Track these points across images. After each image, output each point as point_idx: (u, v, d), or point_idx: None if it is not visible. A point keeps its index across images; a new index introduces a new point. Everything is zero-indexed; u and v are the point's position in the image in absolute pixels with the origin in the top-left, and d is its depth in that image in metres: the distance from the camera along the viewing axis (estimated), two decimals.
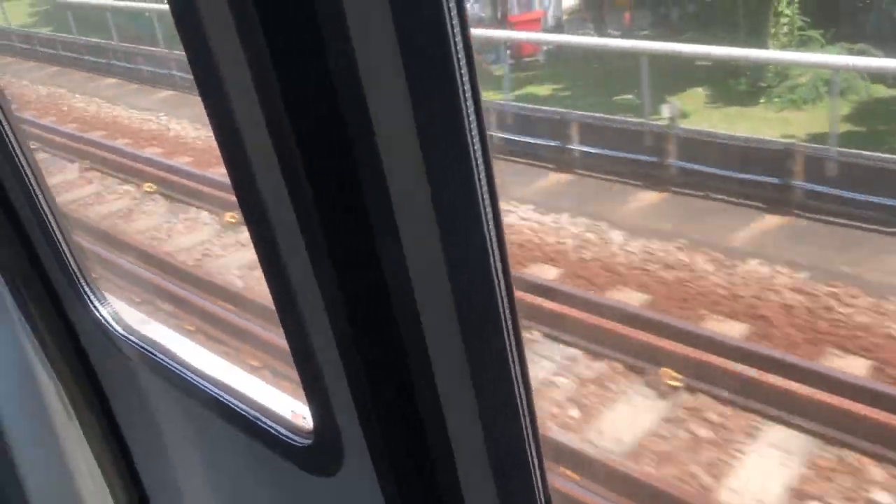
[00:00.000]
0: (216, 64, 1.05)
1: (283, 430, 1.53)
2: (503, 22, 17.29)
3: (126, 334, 2.03)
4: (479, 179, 0.98)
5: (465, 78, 0.92)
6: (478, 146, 0.96)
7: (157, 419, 2.18)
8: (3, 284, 2.27)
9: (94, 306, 2.09)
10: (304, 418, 1.49)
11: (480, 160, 0.97)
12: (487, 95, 13.79)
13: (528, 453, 1.20)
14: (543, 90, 14.80)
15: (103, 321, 2.07)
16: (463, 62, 0.91)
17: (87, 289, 2.10)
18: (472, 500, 1.28)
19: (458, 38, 0.90)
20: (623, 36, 16.08)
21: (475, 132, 0.95)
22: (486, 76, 14.90)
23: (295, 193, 1.08)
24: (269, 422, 1.57)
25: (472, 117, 0.94)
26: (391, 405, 1.24)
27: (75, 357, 2.31)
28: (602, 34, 16.57)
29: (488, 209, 1.01)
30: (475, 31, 14.53)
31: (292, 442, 1.51)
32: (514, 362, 1.12)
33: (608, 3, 17.66)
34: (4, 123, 1.92)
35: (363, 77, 0.96)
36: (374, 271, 1.12)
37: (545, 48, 16.43)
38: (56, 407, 2.40)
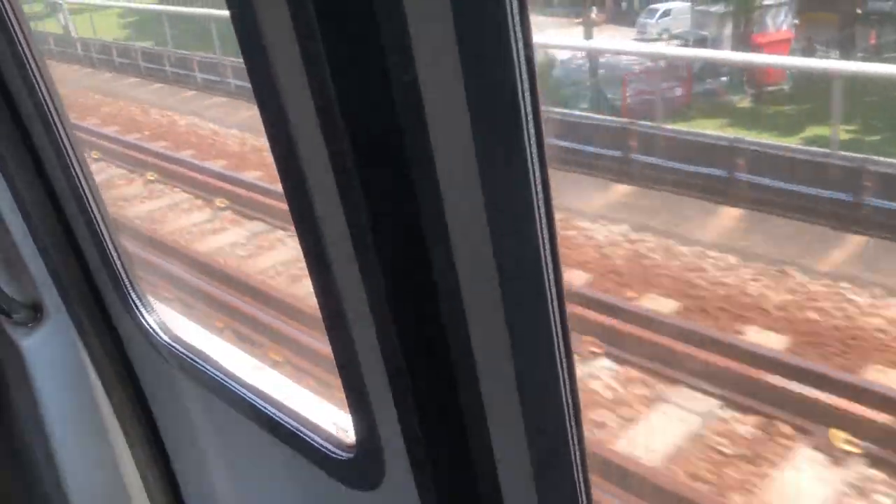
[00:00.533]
0: (274, 72, 1.05)
1: (324, 443, 1.53)
2: (745, 43, 14.87)
3: (170, 342, 2.05)
4: (536, 191, 0.97)
5: (526, 86, 0.91)
6: (535, 155, 0.94)
7: (199, 427, 2.19)
8: (54, 290, 2.30)
9: (140, 313, 2.11)
10: (347, 431, 1.48)
11: (537, 170, 0.95)
12: (759, 137, 11.64)
13: (574, 470, 1.18)
14: (831, 131, 10.65)
15: (149, 328, 2.09)
16: (524, 70, 0.90)
17: (133, 296, 2.13)
18: None
19: (521, 46, 0.89)
20: (874, 58, 13.64)
21: (533, 141, 0.94)
22: (723, 109, 13.00)
23: (347, 204, 1.07)
24: (310, 434, 1.57)
25: (531, 126, 0.93)
26: (435, 420, 1.23)
27: (120, 363, 2.34)
28: (848, 56, 14.05)
29: (543, 221, 0.99)
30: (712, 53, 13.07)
31: (334, 455, 1.50)
32: (563, 376, 1.10)
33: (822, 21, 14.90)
34: (61, 130, 1.96)
35: (422, 86, 0.95)
36: (424, 284, 1.10)
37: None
38: (100, 412, 2.43)
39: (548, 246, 1.01)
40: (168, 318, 2.12)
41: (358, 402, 1.32)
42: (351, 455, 1.44)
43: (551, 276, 1.02)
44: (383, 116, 0.98)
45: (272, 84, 1.06)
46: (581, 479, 1.19)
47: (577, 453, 1.17)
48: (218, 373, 1.88)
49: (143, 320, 2.10)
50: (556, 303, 1.04)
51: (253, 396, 1.76)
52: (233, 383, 1.83)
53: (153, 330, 2.09)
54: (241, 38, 1.06)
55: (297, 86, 1.02)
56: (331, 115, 1.00)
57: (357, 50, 0.95)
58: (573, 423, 1.14)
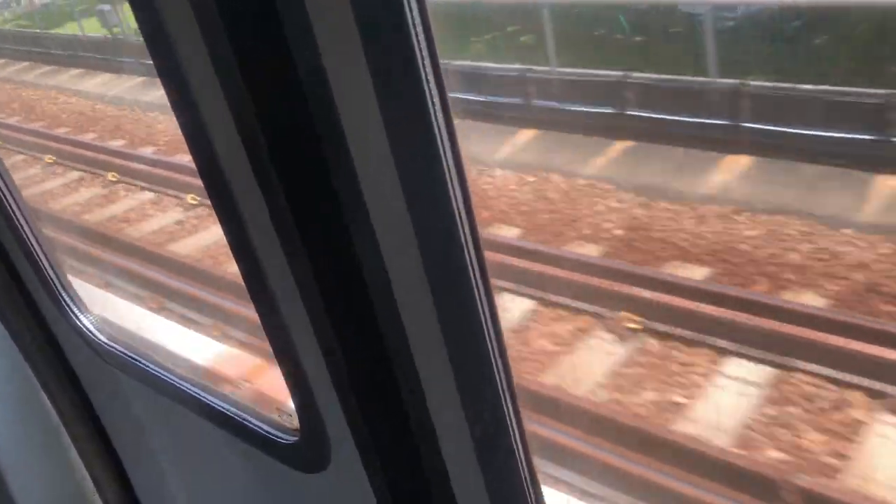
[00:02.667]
0: (183, 72, 1.06)
1: (270, 429, 1.54)
2: None
3: (109, 342, 2.03)
4: (449, 168, 0.99)
5: (429, 71, 0.93)
6: (444, 128, 0.97)
7: (146, 424, 2.18)
8: None
9: (76, 316, 2.09)
10: (291, 416, 1.49)
11: (447, 142, 0.98)
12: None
13: (513, 440, 1.21)
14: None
15: (86, 330, 2.07)
16: (426, 54, 0.93)
17: (67, 299, 2.10)
18: (460, 489, 1.29)
19: (422, 38, 0.92)
20: None
21: (440, 114, 0.96)
22: None
23: (267, 191, 1.08)
24: (255, 421, 1.58)
25: (437, 100, 0.95)
26: (375, 399, 1.25)
27: (60, 368, 2.30)
28: None
29: (458, 195, 1.01)
30: None
31: (280, 440, 1.51)
32: (493, 351, 1.13)
33: None
34: None
35: (329, 74, 0.96)
36: (350, 265, 1.12)
37: None
38: (45, 418, 2.39)
39: (465, 221, 1.03)
40: (106, 319, 2.09)
41: (297, 387, 1.33)
42: (296, 439, 1.46)
43: (472, 253, 1.05)
44: (292, 102, 0.99)
45: (183, 84, 1.07)
46: (520, 446, 1.22)
47: (514, 424, 1.20)
48: (158, 368, 1.87)
49: (78, 322, 2.08)
50: (479, 281, 1.07)
51: (195, 389, 1.75)
52: (173, 377, 1.82)
53: (90, 331, 2.06)
54: (147, 32, 1.07)
55: (207, 81, 1.02)
56: (243, 106, 1.01)
57: (260, 39, 0.96)
58: (507, 393, 1.17)
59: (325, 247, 1.11)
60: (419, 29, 0.91)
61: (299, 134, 1.02)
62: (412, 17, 0.90)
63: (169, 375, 1.84)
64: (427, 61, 0.92)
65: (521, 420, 1.19)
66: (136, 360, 1.94)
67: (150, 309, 7.89)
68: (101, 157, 12.50)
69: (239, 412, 1.63)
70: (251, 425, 1.58)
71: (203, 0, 0.95)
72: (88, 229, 10.28)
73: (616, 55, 12.38)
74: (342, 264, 1.12)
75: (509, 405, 1.17)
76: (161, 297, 8.44)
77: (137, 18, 1.07)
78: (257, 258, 1.19)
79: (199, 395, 1.74)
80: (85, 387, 2.33)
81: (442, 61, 0.97)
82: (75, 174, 12.41)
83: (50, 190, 12.03)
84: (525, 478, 1.24)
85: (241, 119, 1.03)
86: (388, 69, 0.94)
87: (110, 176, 11.88)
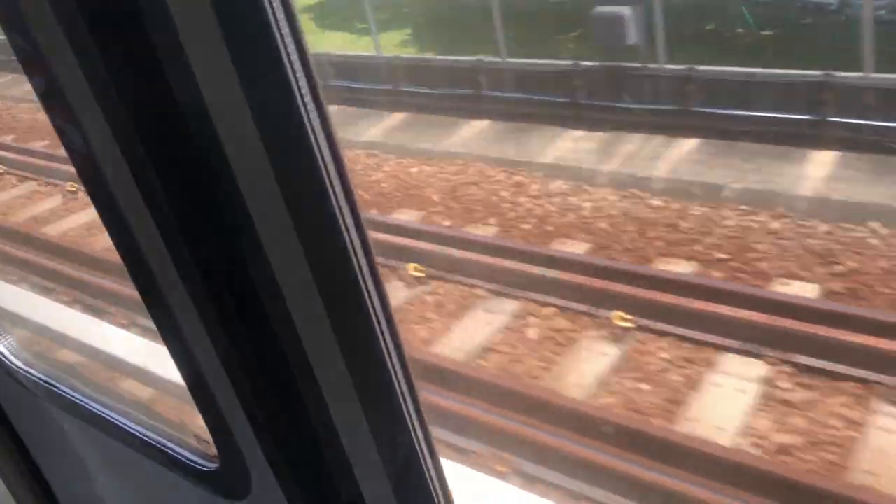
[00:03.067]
0: (57, 83, 1.02)
1: (191, 456, 1.49)
2: None
3: (27, 368, 1.94)
4: (324, 162, 0.97)
5: (297, 65, 0.92)
6: (317, 122, 0.95)
7: (72, 452, 2.11)
8: None
9: None
10: (209, 443, 1.42)
11: (323, 140, 0.96)
12: None
13: (422, 458, 1.22)
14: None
15: (2, 357, 1.97)
16: (293, 49, 0.91)
17: None
18: None
19: (289, 35, 0.90)
20: None
21: (314, 114, 0.94)
22: None
23: (154, 210, 1.05)
24: (176, 448, 1.53)
25: (310, 103, 0.94)
26: (284, 421, 1.23)
27: None
28: None
29: (344, 208, 1.00)
30: None
31: (201, 467, 1.47)
32: (391, 360, 1.13)
33: None
34: None
35: (200, 84, 0.93)
36: (244, 287, 1.09)
37: None
38: None
39: (349, 218, 1.01)
40: (23, 343, 2.01)
41: (210, 414, 1.30)
42: (216, 465, 1.42)
43: (364, 267, 1.04)
44: (167, 112, 0.97)
45: (59, 94, 1.03)
46: (430, 462, 1.24)
47: (422, 440, 1.21)
48: (79, 395, 1.80)
49: None
50: (370, 282, 1.06)
51: (115, 415, 1.69)
52: (95, 405, 1.75)
53: (7, 358, 1.97)
54: (15, 44, 1.02)
55: (82, 94, 0.99)
56: (120, 120, 0.99)
57: (130, 53, 0.94)
58: (411, 406, 1.17)
59: (219, 270, 1.09)
60: (285, 29, 0.89)
61: (178, 150, 1.00)
62: (276, 20, 0.88)
63: (88, 401, 1.77)
64: (295, 56, 0.91)
65: (430, 437, 1.21)
66: (54, 385, 1.86)
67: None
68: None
69: (160, 438, 1.58)
70: (172, 452, 1.53)
71: (73, 22, 0.93)
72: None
73: (748, 50, 11.89)
74: (239, 290, 1.10)
75: (415, 421, 1.19)
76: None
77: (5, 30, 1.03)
78: (157, 285, 1.15)
79: (118, 420, 1.68)
80: (7, 413, 2.24)
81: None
82: None
83: None
84: (436, 492, 1.26)
85: (120, 135, 1.00)
86: (255, 67, 0.91)
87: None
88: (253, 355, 1.17)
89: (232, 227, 1.03)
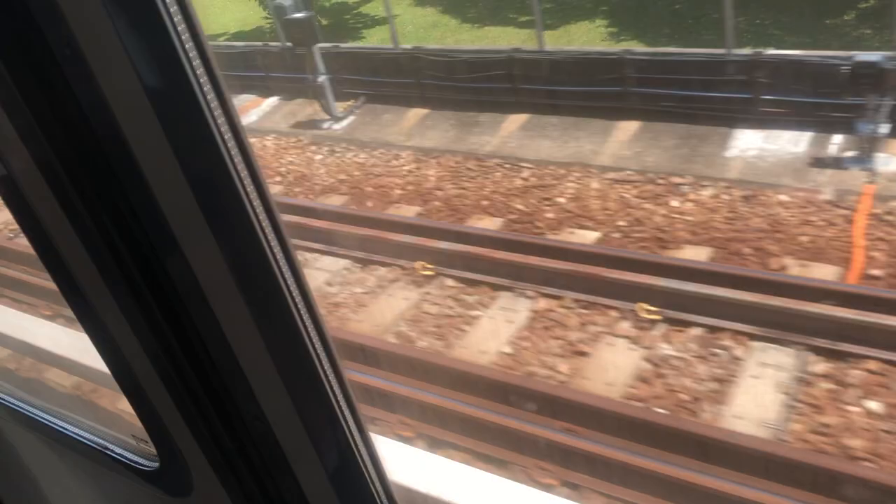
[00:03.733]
0: None
1: (131, 455, 1.49)
2: None
3: None
4: (230, 153, 0.97)
5: (197, 63, 0.93)
6: (219, 112, 0.96)
7: (14, 461, 2.07)
8: None
9: None
10: (147, 442, 1.42)
11: (227, 130, 0.96)
12: None
13: (355, 446, 1.23)
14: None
15: None
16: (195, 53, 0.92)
17: None
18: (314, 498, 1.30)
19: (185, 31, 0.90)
20: None
21: (211, 97, 0.95)
22: None
23: (81, 232, 1.06)
24: (116, 448, 1.52)
25: (207, 84, 0.94)
26: (218, 419, 1.23)
27: None
28: None
29: (260, 213, 1.01)
30: None
31: (142, 467, 1.47)
32: (315, 350, 1.14)
33: None
34: None
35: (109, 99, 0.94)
36: (165, 286, 1.09)
37: None
38: None
39: (270, 231, 1.03)
40: None
41: (146, 415, 1.30)
42: (157, 465, 1.42)
43: (281, 260, 1.05)
44: (72, 113, 0.97)
45: None
46: (367, 457, 1.25)
47: (357, 435, 1.22)
48: (14, 400, 1.77)
49: None
50: (296, 290, 1.08)
51: (54, 419, 1.68)
52: (33, 409, 1.73)
53: None
54: None
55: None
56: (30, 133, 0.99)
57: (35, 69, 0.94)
58: (342, 401, 1.18)
59: (142, 276, 1.09)
60: (179, 21, 0.90)
61: (91, 160, 1.00)
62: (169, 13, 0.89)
63: (26, 406, 1.74)
64: (191, 45, 0.91)
65: (364, 432, 1.23)
66: None
67: None
68: None
69: (98, 440, 1.57)
70: (112, 453, 1.52)
71: None
72: None
73: None
74: (162, 290, 1.10)
75: (348, 417, 1.21)
76: None
77: None
78: (84, 294, 1.16)
79: (56, 425, 1.66)
80: None
81: None
82: None
83: None
84: (375, 486, 1.28)
85: (28, 139, 1.00)
86: (153, 64, 0.91)
87: None
88: (181, 354, 1.17)
89: (145, 227, 1.03)
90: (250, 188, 1.00)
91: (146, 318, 1.12)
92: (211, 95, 0.93)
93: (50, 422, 1.67)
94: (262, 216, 1.01)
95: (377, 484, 1.28)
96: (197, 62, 0.91)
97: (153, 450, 1.40)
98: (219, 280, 1.06)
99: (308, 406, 1.18)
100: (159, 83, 0.92)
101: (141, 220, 1.03)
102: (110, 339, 1.20)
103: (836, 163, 8.65)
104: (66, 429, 1.64)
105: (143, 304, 1.11)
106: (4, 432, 1.97)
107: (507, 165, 10.14)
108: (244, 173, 0.98)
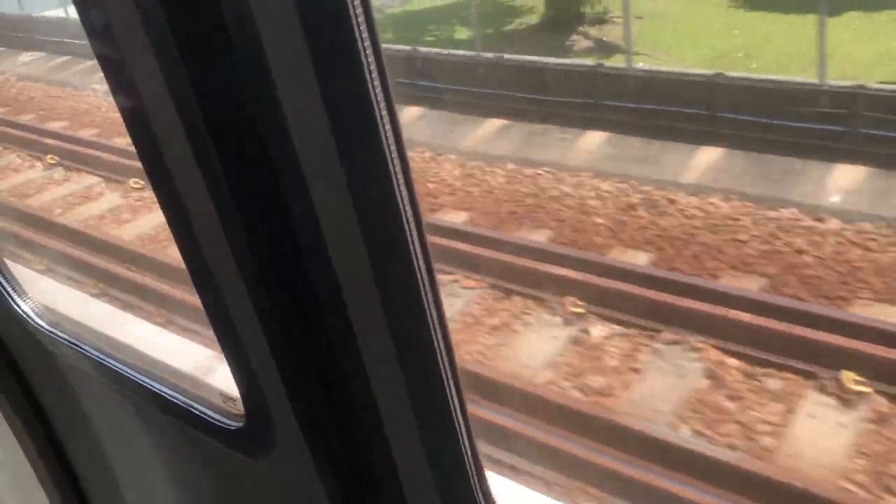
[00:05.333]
0: (126, 60, 1.06)
1: (214, 415, 1.52)
2: None
3: (51, 329, 1.96)
4: (389, 147, 0.97)
5: (370, 53, 0.92)
6: (386, 118, 0.96)
7: (89, 412, 2.14)
8: None
9: (14, 301, 2.01)
10: (235, 402, 1.46)
11: (389, 129, 0.96)
12: None
13: (455, 419, 1.21)
14: None
15: (25, 316, 1.99)
16: (366, 35, 0.91)
17: (7, 287, 2.02)
18: (406, 474, 1.30)
19: (362, 18, 0.90)
20: None
21: (383, 105, 0.95)
22: None
23: (208, 177, 1.08)
24: (200, 407, 1.56)
25: (381, 94, 0.94)
26: (319, 383, 1.26)
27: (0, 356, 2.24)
28: None
29: (401, 180, 1.00)
30: None
31: (225, 426, 1.50)
32: (436, 335, 1.13)
33: None
34: None
35: (272, 64, 0.97)
36: (291, 248, 1.13)
37: None
38: None
39: (412, 223, 1.03)
40: (48, 305, 2.01)
41: (241, 371, 1.33)
42: (241, 424, 1.45)
43: (418, 251, 1.05)
44: (234, 94, 1.02)
45: (126, 73, 1.07)
46: (464, 430, 1.23)
47: (458, 408, 1.21)
48: (102, 355, 1.82)
49: (16, 308, 2.00)
50: (423, 269, 1.07)
51: (141, 376, 1.72)
52: (121, 365, 1.78)
53: (29, 316, 1.99)
54: (86, 21, 1.07)
55: (150, 70, 1.02)
56: (186, 99, 1.03)
57: (203, 28, 0.98)
58: (450, 376, 1.17)
59: (268, 231, 1.13)
60: (359, 9, 0.90)
61: (243, 128, 1.04)
62: (357, 20, 0.90)
63: (112, 362, 1.80)
64: (367, 42, 0.91)
65: (465, 406, 1.21)
66: (78, 346, 1.88)
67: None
68: None
69: (183, 397, 1.61)
70: (196, 411, 1.57)
71: (157, 27, 0.97)
72: None
73: None
74: (286, 251, 1.13)
75: (453, 391, 1.18)
76: None
77: (77, 7, 1.07)
78: (199, 244, 1.19)
79: (143, 381, 1.71)
80: (25, 374, 2.26)
81: None
82: None
83: None
84: (469, 461, 1.24)
85: (183, 110, 1.04)
86: (328, 49, 0.93)
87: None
88: (291, 310, 1.19)
89: (278, 170, 1.05)
90: (404, 189, 1.00)
91: (258, 262, 1.14)
92: (381, 99, 0.94)
93: (134, 376, 1.72)
94: (409, 212, 1.01)
95: (478, 486, 1.25)
96: (373, 63, 0.92)
97: (239, 410, 1.43)
98: (348, 243, 1.06)
99: (420, 389, 1.18)
100: (336, 84, 0.94)
101: (275, 168, 1.06)
102: (215, 282, 1.22)
103: None
104: (149, 384, 1.68)
105: (260, 254, 1.13)
106: (81, 384, 2.03)
107: None
108: (402, 184, 0.99)
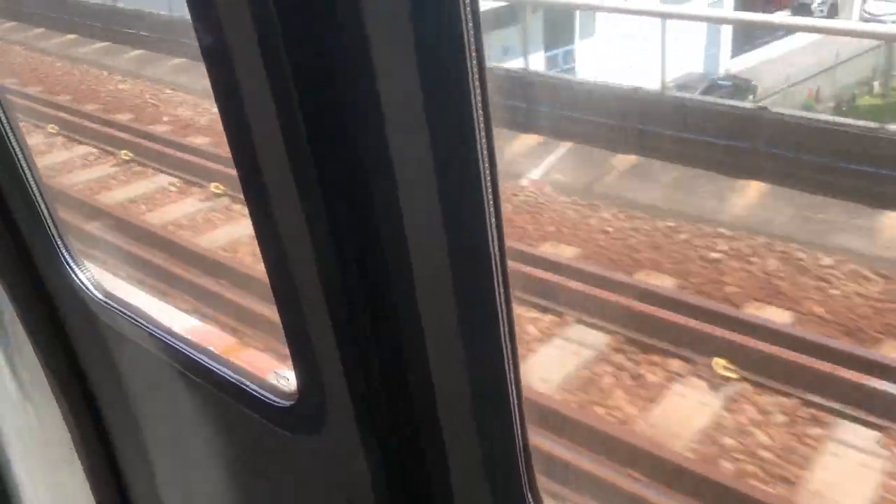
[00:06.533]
0: (227, 44, 1.08)
1: (265, 392, 1.56)
2: None
3: (106, 300, 2.01)
4: (483, 162, 1.01)
5: (475, 68, 0.95)
6: (483, 134, 0.99)
7: (138, 386, 2.17)
8: None
9: (73, 271, 2.07)
10: (288, 379, 1.52)
11: (484, 143, 0.99)
12: None
13: (513, 419, 1.21)
14: None
15: (81, 286, 2.05)
16: (473, 51, 0.94)
17: (65, 254, 2.08)
18: (455, 460, 1.30)
19: (471, 30, 0.93)
20: None
21: (482, 122, 0.98)
22: None
23: (292, 149, 1.11)
24: (250, 383, 1.60)
25: (479, 100, 0.97)
26: (376, 365, 1.27)
27: (50, 323, 2.28)
28: None
29: (489, 187, 1.02)
30: None
31: (275, 403, 1.53)
32: (506, 341, 1.14)
33: None
34: None
35: (375, 62, 0.99)
36: (368, 228, 1.14)
37: None
38: (30, 374, 2.38)
39: (495, 230, 1.05)
40: (103, 277, 2.06)
41: (301, 348, 1.35)
42: (292, 402, 1.48)
43: (496, 249, 1.06)
44: (337, 93, 1.03)
45: (224, 53, 1.09)
46: (520, 429, 1.22)
47: (517, 407, 1.20)
48: (158, 330, 1.87)
49: (73, 277, 2.06)
50: (499, 267, 1.08)
51: (193, 351, 1.76)
52: (173, 339, 1.82)
53: (86, 287, 2.04)
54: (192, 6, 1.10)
55: (251, 58, 1.05)
56: (285, 90, 1.05)
57: (311, 25, 1.00)
58: (513, 379, 1.17)
59: (345, 210, 1.14)
60: (471, 32, 0.92)
61: (339, 126, 1.06)
62: (465, 17, 0.91)
63: (167, 336, 1.84)
64: (475, 62, 0.93)
65: (521, 392, 1.21)
66: (132, 318, 1.93)
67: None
68: None
69: (233, 373, 1.64)
70: (246, 387, 1.60)
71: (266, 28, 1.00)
72: None
73: None
74: (361, 232, 1.15)
75: (514, 390, 1.19)
76: None
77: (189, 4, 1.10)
78: (273, 215, 1.21)
79: (195, 356, 1.75)
80: (75, 344, 2.30)
81: None
82: None
83: None
84: (519, 447, 1.24)
85: (282, 107, 1.06)
86: (435, 64, 0.95)
87: None
88: (359, 293, 1.20)
89: (357, 146, 1.07)
90: (492, 206, 1.03)
91: (338, 250, 1.16)
92: (480, 116, 0.97)
93: (187, 351, 1.77)
94: (493, 220, 1.03)
95: (527, 482, 1.25)
96: (477, 81, 0.95)
97: (290, 387, 1.46)
98: (428, 237, 1.08)
99: (480, 379, 1.19)
100: (439, 96, 0.97)
101: (363, 157, 1.08)
102: (287, 267, 1.25)
103: None
104: (201, 359, 1.73)
105: (337, 233, 1.15)
106: (132, 357, 2.08)
107: None
108: (489, 179, 1.02)
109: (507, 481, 1.25)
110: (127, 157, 11.89)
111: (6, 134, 1.96)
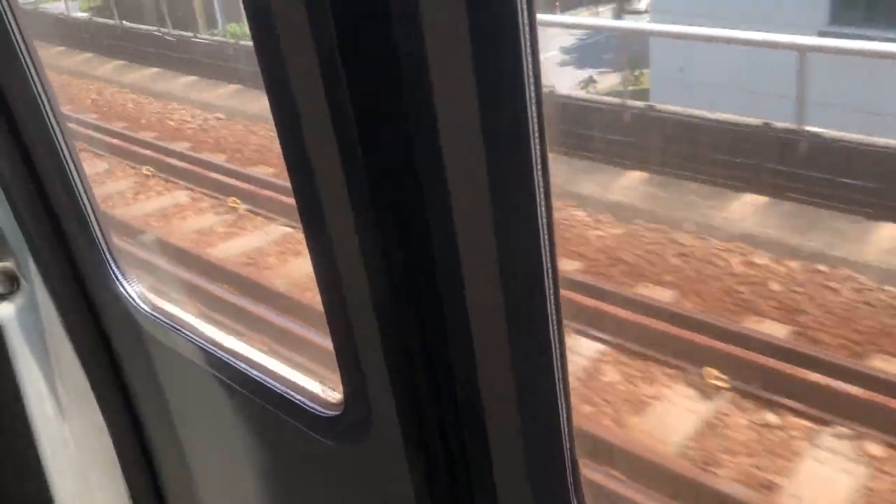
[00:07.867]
0: (283, 54, 1.11)
1: (310, 403, 1.59)
2: None
3: (150, 311, 2.07)
4: (537, 177, 1.02)
5: (531, 74, 0.96)
6: (537, 144, 1.00)
7: (183, 398, 2.22)
8: (30, 260, 2.29)
9: (119, 283, 2.13)
10: (334, 390, 1.55)
11: (539, 157, 1.01)
12: None
13: (563, 446, 1.21)
14: None
15: (128, 298, 2.11)
16: (530, 58, 0.95)
17: (113, 267, 2.14)
18: (502, 473, 1.32)
19: (528, 36, 0.94)
20: None
21: (536, 128, 1.00)
22: None
23: (350, 172, 1.13)
24: (295, 394, 1.63)
25: (535, 113, 0.99)
26: (426, 379, 1.29)
27: (96, 333, 2.34)
28: None
29: (543, 208, 1.04)
30: None
31: (320, 414, 1.56)
32: (556, 355, 1.15)
33: None
34: (45, 102, 1.98)
35: (432, 68, 1.01)
36: (421, 246, 1.16)
37: None
38: (75, 384, 2.42)
39: (546, 234, 1.06)
40: (149, 291, 2.12)
41: (347, 362, 1.38)
42: (337, 413, 1.51)
43: (548, 260, 1.07)
44: (391, 98, 1.06)
45: (281, 69, 1.12)
46: (569, 451, 1.23)
47: (566, 430, 1.21)
48: (200, 340, 1.91)
49: (122, 290, 2.12)
50: (551, 282, 1.09)
51: (240, 363, 1.80)
52: (220, 351, 1.86)
53: (132, 299, 2.10)
54: (252, 17, 1.12)
55: (307, 68, 1.08)
56: (340, 102, 1.07)
57: (368, 35, 1.03)
58: (563, 399, 1.18)
59: (397, 226, 1.16)
60: (528, 36, 0.93)
61: (392, 131, 1.08)
62: (522, 21, 0.93)
63: (213, 348, 1.88)
64: (531, 72, 0.96)
65: (572, 429, 1.21)
66: (178, 329, 1.98)
67: None
68: None
69: (278, 384, 1.68)
70: (291, 398, 1.63)
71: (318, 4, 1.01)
72: None
73: None
74: (413, 249, 1.17)
75: (564, 413, 1.19)
76: None
77: (248, 18, 1.13)
78: (326, 228, 1.23)
79: (242, 367, 1.78)
80: (120, 354, 2.36)
81: None
82: None
83: None
84: (567, 461, 1.25)
85: (336, 117, 1.09)
86: (493, 71, 0.97)
87: None
88: (410, 310, 1.21)
89: (414, 159, 1.08)
90: (542, 196, 1.03)
91: (388, 262, 1.17)
92: (534, 113, 0.98)
93: (232, 361, 1.80)
94: (545, 216, 1.04)
95: (573, 487, 1.25)
96: (532, 77, 0.96)
97: (337, 396, 1.49)
98: (480, 242, 1.09)
99: (530, 397, 1.19)
100: (494, 99, 0.98)
101: (411, 155, 1.09)
102: (338, 278, 1.26)
103: None
104: (248, 371, 1.75)
105: (387, 244, 1.16)
106: (177, 369, 2.12)
107: None
108: (540, 178, 1.02)
109: (552, 488, 1.26)
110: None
111: (64, 157, 2.04)
